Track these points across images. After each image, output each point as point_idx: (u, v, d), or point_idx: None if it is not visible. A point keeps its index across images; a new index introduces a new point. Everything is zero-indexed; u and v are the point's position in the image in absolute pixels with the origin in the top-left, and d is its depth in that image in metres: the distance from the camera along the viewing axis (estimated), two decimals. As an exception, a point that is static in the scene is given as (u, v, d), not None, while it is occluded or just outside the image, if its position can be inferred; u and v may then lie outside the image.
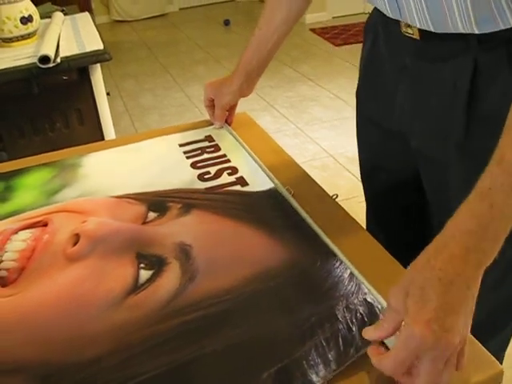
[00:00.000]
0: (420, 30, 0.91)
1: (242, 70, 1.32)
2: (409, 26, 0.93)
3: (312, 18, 6.25)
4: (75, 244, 0.92)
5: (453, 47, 0.88)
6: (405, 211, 1.04)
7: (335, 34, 5.86)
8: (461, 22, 0.82)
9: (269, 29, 1.26)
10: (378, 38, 1.07)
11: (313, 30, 6.03)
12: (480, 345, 0.72)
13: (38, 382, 0.70)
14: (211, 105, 1.36)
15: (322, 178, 0.98)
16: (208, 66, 5.15)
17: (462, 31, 0.83)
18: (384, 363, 0.65)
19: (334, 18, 6.43)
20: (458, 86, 0.89)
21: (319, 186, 1.07)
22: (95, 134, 1.14)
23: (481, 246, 0.65)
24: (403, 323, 0.64)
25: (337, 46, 5.51)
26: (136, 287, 0.83)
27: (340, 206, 1.02)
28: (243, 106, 1.35)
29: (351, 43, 5.50)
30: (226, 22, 6.44)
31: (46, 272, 0.87)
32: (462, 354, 0.65)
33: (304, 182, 1.10)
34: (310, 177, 1.11)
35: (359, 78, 1.19)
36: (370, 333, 0.69)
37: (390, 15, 0.95)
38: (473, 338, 0.73)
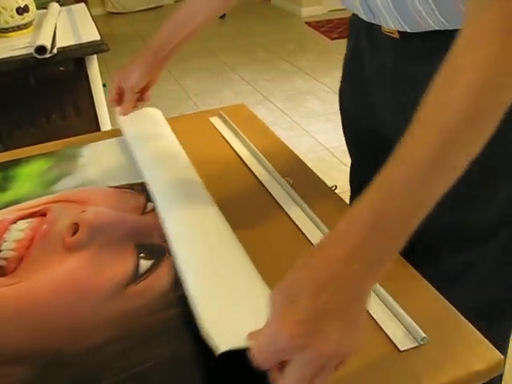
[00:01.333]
0: (399, 31, 0.91)
1: (154, 50, 1.28)
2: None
3: (308, 11, 6.24)
4: (74, 233, 0.92)
5: (432, 44, 0.88)
6: None
7: (331, 28, 5.85)
8: (431, 20, 0.83)
9: (193, 7, 1.22)
10: (360, 36, 1.07)
11: (308, 24, 6.03)
12: (480, 334, 0.72)
13: (38, 370, 0.70)
14: (119, 93, 1.27)
15: (318, 170, 0.98)
16: (203, 59, 5.14)
17: (435, 27, 0.83)
18: (253, 352, 0.58)
19: (329, 11, 6.42)
20: None
21: (318, 177, 1.07)
22: (91, 126, 1.14)
23: (367, 247, 0.58)
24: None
25: (332, 39, 5.50)
26: (136, 277, 0.83)
27: (339, 196, 1.02)
28: (239, 99, 1.35)
29: (347, 37, 5.48)
30: (222, 15, 6.42)
31: (45, 261, 0.87)
32: (342, 364, 0.59)
33: (302, 173, 1.10)
34: (308, 167, 1.11)
35: (342, 75, 1.19)
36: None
37: (365, 19, 0.95)
38: (472, 327, 0.73)
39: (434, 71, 0.86)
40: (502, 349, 1.14)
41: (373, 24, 0.97)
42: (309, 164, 1.12)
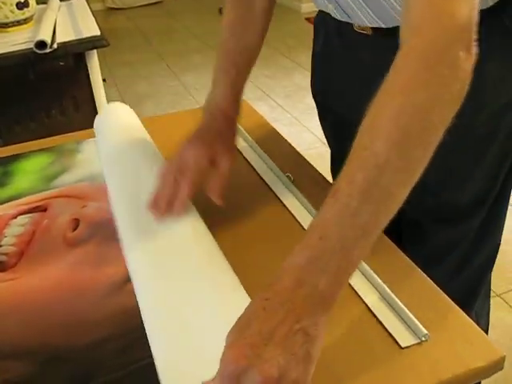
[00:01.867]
0: (372, 28, 0.93)
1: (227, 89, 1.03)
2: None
3: (308, 7, 6.22)
4: (75, 229, 0.92)
5: None
6: None
7: (331, 24, 5.84)
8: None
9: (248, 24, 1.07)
10: (330, 35, 1.08)
11: (308, 20, 6.01)
12: (481, 331, 0.72)
13: (38, 366, 0.70)
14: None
15: (318, 166, 0.98)
16: (203, 55, 5.13)
17: None
18: None
19: (329, 7, 6.40)
20: None
21: (319, 173, 1.07)
22: (91, 121, 1.14)
23: (313, 280, 0.60)
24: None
25: (332, 35, 5.49)
26: (136, 272, 0.82)
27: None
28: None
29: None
30: (222, 11, 6.41)
31: (45, 257, 0.87)
32: None
33: (304, 169, 1.09)
34: (309, 164, 1.11)
35: (313, 73, 1.19)
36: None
37: (340, 19, 0.97)
38: (473, 324, 0.73)
39: None
40: (484, 322, 1.19)
41: (342, 23, 0.98)
42: (310, 160, 1.12)
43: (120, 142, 1.07)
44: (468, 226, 1.05)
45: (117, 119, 1.16)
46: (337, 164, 1.25)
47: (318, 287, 0.59)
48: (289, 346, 0.57)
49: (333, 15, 0.99)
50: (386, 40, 0.91)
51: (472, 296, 1.15)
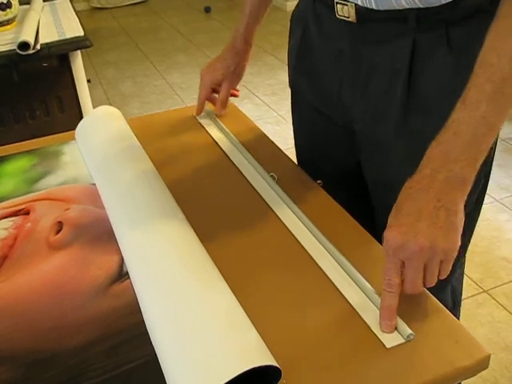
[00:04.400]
0: (357, 12, 0.93)
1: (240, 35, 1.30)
2: (344, 9, 0.94)
3: (293, 5, 6.18)
4: (58, 232, 0.91)
5: (391, 29, 0.91)
6: (351, 200, 1.05)
7: (316, 21, 5.84)
8: None
9: None
10: (308, 27, 1.08)
11: (294, 17, 6.01)
12: (466, 329, 0.72)
13: (24, 370, 0.70)
14: (210, 93, 1.32)
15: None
16: (189, 53, 5.12)
17: (405, 6, 0.86)
18: (383, 277, 0.73)
19: (314, 5, 6.40)
20: (397, 68, 0.92)
21: (303, 172, 1.07)
22: (76, 122, 1.13)
23: (449, 166, 0.73)
24: None
25: (318, 33, 5.49)
26: (121, 275, 0.82)
27: (324, 191, 1.01)
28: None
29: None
30: (207, 9, 6.39)
31: (29, 260, 0.86)
32: (446, 264, 0.73)
33: (288, 168, 1.09)
34: (294, 163, 1.11)
35: (290, 68, 1.20)
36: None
37: None
38: (459, 322, 0.73)
39: (391, 55, 0.92)
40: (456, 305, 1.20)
41: (324, 12, 1.00)
42: (295, 158, 1.12)
43: (105, 150, 1.07)
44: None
45: (98, 127, 1.16)
46: (310, 160, 1.23)
47: (454, 171, 0.73)
48: (435, 220, 0.71)
49: None
50: (369, 31, 0.93)
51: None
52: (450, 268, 0.74)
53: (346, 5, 0.93)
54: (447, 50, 0.88)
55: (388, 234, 0.72)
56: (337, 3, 0.95)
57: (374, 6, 0.89)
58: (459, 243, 0.73)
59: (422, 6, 0.85)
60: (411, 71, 0.91)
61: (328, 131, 1.14)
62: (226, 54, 1.29)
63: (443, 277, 0.75)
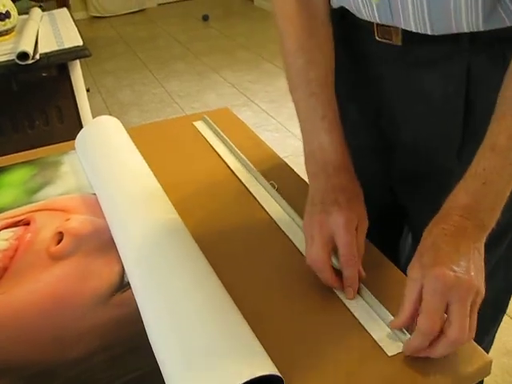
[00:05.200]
0: (404, 35, 0.85)
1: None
2: (386, 32, 0.86)
3: (291, 12, 6.23)
4: (59, 242, 0.91)
5: (441, 50, 0.84)
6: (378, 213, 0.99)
7: (314, 28, 5.84)
8: (466, 20, 0.78)
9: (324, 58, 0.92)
10: (338, 49, 0.95)
11: (292, 25, 6.02)
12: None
13: (25, 382, 0.69)
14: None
15: (304, 172, 0.97)
16: (187, 62, 5.13)
17: (466, 30, 0.79)
18: (420, 322, 0.66)
19: (312, 12, 6.41)
20: (451, 92, 0.85)
21: (303, 180, 1.07)
22: (75, 132, 1.13)
23: (477, 215, 0.71)
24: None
25: (316, 40, 5.49)
26: (122, 285, 0.82)
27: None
28: (223, 102, 1.34)
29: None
30: (205, 17, 6.41)
31: (30, 271, 0.86)
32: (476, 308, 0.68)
33: (288, 176, 1.09)
34: (293, 171, 1.11)
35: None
36: (396, 320, 0.71)
37: (377, 19, 0.86)
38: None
39: (439, 79, 0.86)
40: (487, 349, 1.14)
41: (360, 34, 0.92)
42: (295, 166, 1.12)
43: (105, 160, 1.07)
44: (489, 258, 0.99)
45: (98, 137, 1.16)
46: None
47: (482, 219, 0.71)
48: (474, 261, 0.68)
49: (363, 12, 0.88)
50: (416, 52, 0.86)
51: (487, 323, 1.09)
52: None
53: (389, 27, 0.85)
54: (503, 70, 0.79)
55: (437, 272, 0.66)
56: (377, 25, 0.87)
57: (429, 32, 0.81)
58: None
59: (484, 30, 0.79)
60: (467, 95, 0.85)
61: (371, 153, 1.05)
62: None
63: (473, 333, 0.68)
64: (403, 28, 0.84)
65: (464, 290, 0.65)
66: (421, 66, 0.86)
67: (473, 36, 0.80)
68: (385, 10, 0.84)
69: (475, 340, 0.71)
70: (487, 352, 0.77)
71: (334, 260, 0.80)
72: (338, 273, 0.79)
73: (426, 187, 0.99)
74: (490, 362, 0.69)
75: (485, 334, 1.11)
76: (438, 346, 0.66)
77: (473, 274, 0.66)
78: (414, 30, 0.82)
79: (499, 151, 0.71)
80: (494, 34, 0.79)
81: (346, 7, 0.91)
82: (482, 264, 0.70)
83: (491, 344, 1.16)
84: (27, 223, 0.97)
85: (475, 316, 0.67)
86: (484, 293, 0.68)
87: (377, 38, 0.88)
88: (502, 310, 1.13)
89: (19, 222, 0.97)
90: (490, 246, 0.95)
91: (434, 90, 0.87)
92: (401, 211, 1.10)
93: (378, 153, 1.04)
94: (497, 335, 1.19)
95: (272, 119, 3.79)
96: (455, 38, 0.81)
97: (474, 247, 0.69)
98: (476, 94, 0.85)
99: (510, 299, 1.12)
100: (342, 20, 0.93)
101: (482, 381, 1.01)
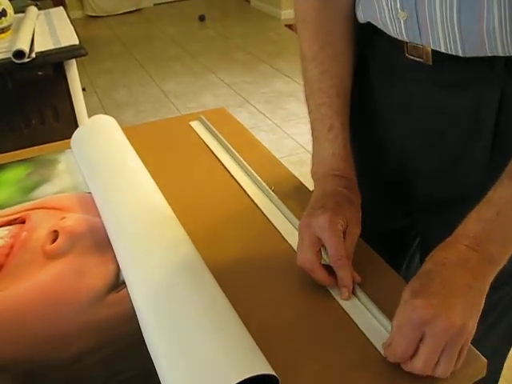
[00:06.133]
0: (434, 54, 0.81)
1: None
2: (416, 49, 0.82)
3: (287, 13, 6.24)
4: (54, 241, 0.91)
5: (474, 72, 0.79)
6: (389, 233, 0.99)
7: (310, 30, 5.84)
8: (501, 43, 0.73)
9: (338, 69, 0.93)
10: (366, 65, 0.95)
11: (288, 26, 6.03)
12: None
13: (21, 380, 0.69)
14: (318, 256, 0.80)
15: (300, 173, 0.97)
16: (184, 62, 5.13)
17: (500, 54, 0.75)
18: (392, 344, 0.66)
19: (309, 13, 6.41)
20: (482, 118, 0.81)
21: (300, 181, 1.07)
22: (71, 131, 1.13)
23: (486, 247, 0.68)
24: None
25: (312, 41, 5.49)
26: (117, 284, 0.82)
27: (321, 200, 1.01)
28: (219, 103, 1.34)
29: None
30: (201, 18, 6.41)
31: (25, 270, 0.86)
32: (463, 351, 0.66)
33: (284, 177, 1.09)
34: (289, 172, 1.11)
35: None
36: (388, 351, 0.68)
37: (405, 38, 0.83)
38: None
39: (469, 103, 0.81)
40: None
41: (389, 50, 0.87)
42: (290, 167, 1.12)
43: (101, 159, 1.07)
44: (508, 289, 0.96)
45: (94, 136, 1.16)
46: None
47: (491, 252, 0.68)
48: (468, 299, 0.65)
49: (390, 29, 0.85)
50: (447, 73, 0.82)
51: (497, 353, 1.08)
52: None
53: (420, 46, 0.82)
54: None
55: (417, 303, 0.64)
56: (407, 43, 0.83)
57: (461, 53, 0.77)
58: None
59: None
60: (499, 123, 0.80)
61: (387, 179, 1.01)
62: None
63: (459, 365, 0.66)
64: (432, 48, 0.80)
65: (439, 328, 0.62)
66: (451, 88, 0.82)
67: (509, 60, 0.75)
68: (412, 27, 0.80)
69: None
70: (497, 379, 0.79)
71: (325, 257, 0.81)
72: (331, 271, 0.80)
73: (447, 215, 0.89)
74: (485, 363, 0.69)
75: (495, 362, 1.09)
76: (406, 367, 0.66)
77: (458, 311, 0.63)
78: (443, 51, 0.79)
79: None
80: None
81: (373, 22, 0.88)
82: (480, 302, 0.66)
83: (500, 372, 1.14)
84: (23, 221, 0.96)
85: (461, 354, 0.65)
86: (472, 332, 0.65)
87: (406, 55, 0.85)
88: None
89: (15, 220, 0.97)
90: (503, 284, 0.91)
91: (463, 114, 0.83)
92: (414, 233, 1.10)
93: (400, 180, 0.99)
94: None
95: (268, 120, 3.79)
96: (490, 62, 0.76)
97: (473, 285, 0.66)
98: (507, 122, 0.80)
99: None
100: (374, 35, 0.90)
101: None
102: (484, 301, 0.67)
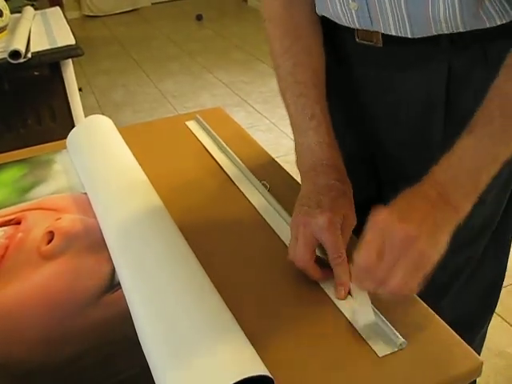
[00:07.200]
0: (384, 37, 0.86)
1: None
2: (368, 34, 0.88)
3: (284, 12, 6.23)
4: (50, 242, 0.90)
5: (422, 51, 0.85)
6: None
7: (308, 29, 5.84)
8: (446, 24, 0.79)
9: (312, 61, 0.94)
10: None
11: (285, 25, 6.02)
12: (458, 337, 0.72)
13: (17, 381, 0.69)
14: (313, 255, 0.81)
15: (297, 173, 0.97)
16: (181, 62, 5.12)
17: (446, 32, 0.81)
18: (358, 255, 0.69)
19: (306, 12, 6.41)
20: (433, 93, 0.87)
21: (295, 181, 1.07)
22: (67, 131, 1.13)
23: (446, 189, 0.72)
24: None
25: (310, 40, 5.49)
26: (112, 285, 0.82)
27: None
28: (216, 102, 1.34)
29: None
30: (199, 17, 6.41)
31: (20, 271, 0.86)
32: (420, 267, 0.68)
33: (280, 177, 1.09)
34: (285, 171, 1.11)
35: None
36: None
37: (356, 26, 0.88)
38: (451, 330, 0.73)
39: (420, 79, 0.87)
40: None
41: (340, 37, 0.93)
42: (288, 166, 1.12)
43: (97, 160, 1.07)
44: (472, 252, 1.02)
45: (90, 136, 1.15)
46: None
47: (448, 193, 0.72)
48: (426, 223, 0.68)
49: (343, 20, 0.89)
50: (397, 54, 0.88)
51: (476, 320, 1.12)
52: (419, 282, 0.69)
53: (371, 31, 0.87)
54: (485, 68, 0.82)
55: (380, 213, 0.69)
56: (358, 29, 0.89)
57: (410, 35, 0.83)
58: (433, 264, 0.69)
59: (464, 31, 0.80)
60: (449, 95, 0.87)
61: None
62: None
63: (414, 290, 0.70)
64: (383, 32, 0.86)
65: (398, 239, 0.67)
66: (402, 67, 0.88)
67: (453, 37, 0.82)
68: (364, 16, 0.86)
69: (465, 339, 0.71)
70: (479, 352, 0.78)
71: (318, 252, 0.81)
72: (324, 265, 0.80)
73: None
74: (481, 363, 0.69)
75: (475, 332, 1.11)
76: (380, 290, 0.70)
77: (415, 227, 0.67)
78: (394, 34, 0.84)
79: (475, 134, 0.73)
80: (475, 34, 0.80)
81: (327, 16, 0.93)
82: (437, 236, 0.69)
83: (482, 344, 1.17)
84: (18, 222, 0.96)
85: (410, 268, 0.68)
86: (430, 260, 0.68)
87: (357, 41, 0.90)
88: (490, 307, 1.13)
89: (10, 221, 0.97)
90: (473, 240, 0.99)
91: (415, 90, 0.89)
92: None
93: (364, 160, 1.05)
94: (489, 336, 1.19)
95: (265, 119, 3.79)
96: (436, 40, 0.82)
97: (430, 211, 0.70)
98: (456, 93, 0.86)
99: (498, 296, 1.12)
100: (327, 24, 0.95)
101: (475, 381, 1.01)
102: (442, 245, 0.70)
